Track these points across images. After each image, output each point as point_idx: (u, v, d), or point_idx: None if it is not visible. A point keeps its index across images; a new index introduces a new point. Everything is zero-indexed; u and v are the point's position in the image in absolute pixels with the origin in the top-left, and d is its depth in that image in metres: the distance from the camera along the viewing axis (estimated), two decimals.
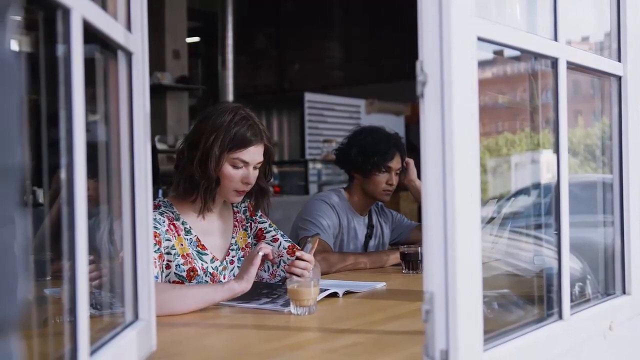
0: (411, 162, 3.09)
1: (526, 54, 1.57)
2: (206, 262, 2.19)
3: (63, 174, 0.98)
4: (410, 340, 1.56)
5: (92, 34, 1.10)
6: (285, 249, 2.32)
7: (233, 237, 2.31)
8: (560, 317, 1.51)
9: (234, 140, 2.14)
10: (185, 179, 2.17)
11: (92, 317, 1.07)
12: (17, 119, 0.56)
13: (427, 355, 1.17)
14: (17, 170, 0.56)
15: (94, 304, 1.40)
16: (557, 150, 1.52)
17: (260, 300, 1.99)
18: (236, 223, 2.35)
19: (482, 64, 1.26)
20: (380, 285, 2.34)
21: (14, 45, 0.57)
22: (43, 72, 1.04)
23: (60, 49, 1.00)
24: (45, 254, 1.46)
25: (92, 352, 1.08)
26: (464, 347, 1.15)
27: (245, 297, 2.02)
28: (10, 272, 0.55)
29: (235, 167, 2.16)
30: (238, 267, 2.28)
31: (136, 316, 1.36)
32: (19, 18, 0.60)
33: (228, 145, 2.13)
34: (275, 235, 2.37)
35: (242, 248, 2.33)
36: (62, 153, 0.99)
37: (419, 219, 4.24)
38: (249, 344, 1.60)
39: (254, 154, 2.18)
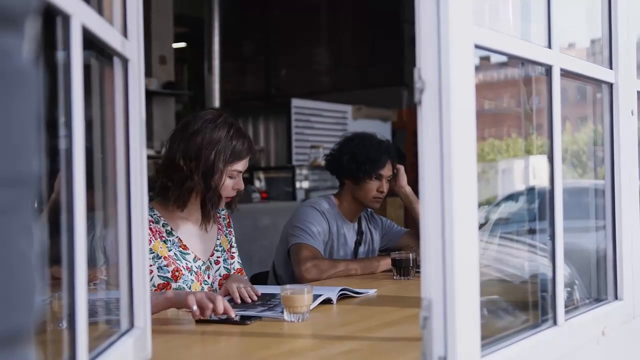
0: (401, 168, 3.10)
1: (513, 60, 1.59)
2: (189, 262, 2.25)
3: (63, 181, 0.97)
4: (406, 347, 1.56)
5: (88, 40, 1.10)
6: (234, 270, 2.42)
7: (218, 239, 2.40)
8: (555, 322, 1.51)
9: (234, 153, 2.25)
10: (187, 191, 2.22)
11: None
12: (35, 128, 0.56)
13: None
14: (34, 179, 0.56)
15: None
16: (551, 157, 1.52)
17: (257, 309, 1.98)
18: (220, 227, 2.43)
19: None
20: (372, 292, 2.34)
21: (32, 54, 0.57)
22: (41, 77, 1.03)
23: (59, 55, 0.99)
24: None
25: None
26: (462, 354, 1.16)
27: (241, 306, 2.01)
28: (28, 281, 0.55)
29: (231, 177, 2.27)
30: (224, 267, 2.38)
31: (132, 324, 1.35)
32: (36, 26, 0.60)
33: (230, 159, 2.24)
34: (234, 252, 2.49)
35: (227, 250, 2.42)
36: (62, 159, 0.98)
37: (405, 224, 4.26)
38: (244, 351, 1.59)
39: (246, 163, 2.32)
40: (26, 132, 0.55)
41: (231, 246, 2.48)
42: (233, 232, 2.52)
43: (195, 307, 1.79)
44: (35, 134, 0.56)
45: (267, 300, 2.10)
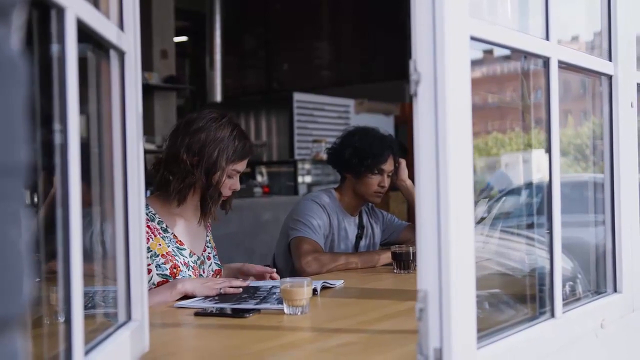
0: (403, 162, 3.09)
1: (516, 53, 1.58)
2: (186, 257, 2.29)
3: (57, 176, 0.98)
4: (404, 339, 1.57)
5: (84, 33, 1.10)
6: (213, 271, 2.43)
7: (207, 236, 2.45)
8: (553, 315, 1.51)
9: (236, 153, 2.28)
10: (187, 186, 2.26)
11: (84, 317, 1.06)
12: (22, 118, 0.56)
13: (421, 353, 1.17)
14: (22, 168, 0.57)
15: (85, 304, 1.39)
16: (549, 150, 1.52)
17: (249, 303, 1.98)
18: (208, 225, 2.47)
19: (472, 63, 1.26)
20: (339, 282, 2.36)
21: (19, 44, 0.57)
22: (35, 71, 1.04)
23: (54, 48, 0.99)
24: (36, 255, 1.46)
25: (86, 352, 1.07)
26: (457, 345, 1.16)
27: (233, 300, 2.01)
28: (16, 269, 0.55)
29: (229, 177, 2.30)
30: (215, 263, 2.43)
31: (129, 316, 1.36)
32: (23, 16, 0.60)
33: (231, 158, 2.27)
34: (215, 252, 2.49)
35: (214, 247, 2.48)
36: (56, 153, 0.98)
37: (408, 219, 4.26)
38: (242, 343, 1.59)
39: (245, 164, 2.36)
40: (14, 122, 0.55)
41: (214, 246, 2.51)
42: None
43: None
44: (23, 124, 0.56)
45: (253, 293, 2.10)
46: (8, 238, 0.54)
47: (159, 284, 2.18)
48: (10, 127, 0.54)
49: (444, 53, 1.14)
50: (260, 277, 2.41)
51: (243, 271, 2.45)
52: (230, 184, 2.31)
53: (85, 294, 1.22)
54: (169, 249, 2.24)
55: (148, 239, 2.19)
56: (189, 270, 2.26)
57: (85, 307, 1.17)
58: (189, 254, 2.31)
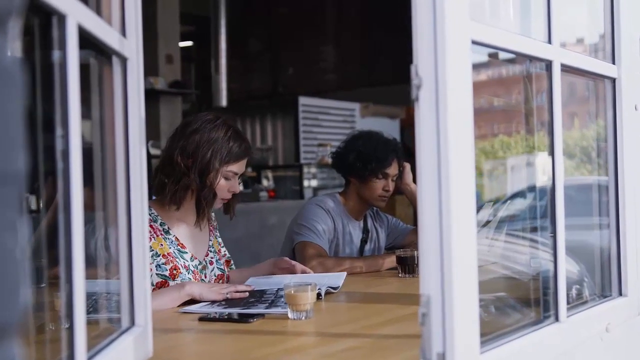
0: (407, 166, 3.09)
1: (521, 57, 1.58)
2: (187, 260, 2.29)
3: (59, 181, 0.98)
4: (408, 344, 1.56)
5: (86, 39, 1.10)
6: (215, 276, 2.42)
7: (210, 240, 2.44)
8: (557, 319, 1.51)
9: (230, 154, 2.27)
10: (183, 188, 2.25)
11: (87, 322, 1.07)
12: (20, 126, 0.57)
13: (424, 358, 1.17)
14: (20, 176, 0.57)
15: (88, 310, 1.39)
16: (552, 153, 1.52)
17: (258, 307, 1.98)
18: (211, 229, 2.47)
19: (477, 67, 1.27)
20: (342, 275, 2.39)
21: (16, 52, 0.57)
22: (38, 77, 1.04)
23: (55, 55, 0.99)
24: (41, 260, 1.46)
25: (89, 358, 1.08)
26: (460, 350, 1.15)
27: (241, 305, 2.00)
28: (12, 276, 0.56)
29: (226, 178, 2.30)
30: (218, 267, 2.42)
31: (132, 322, 1.36)
32: (20, 25, 0.60)
33: (225, 159, 2.26)
34: (224, 249, 2.52)
35: (217, 252, 2.46)
36: (58, 159, 0.99)
37: (414, 222, 4.24)
38: (246, 348, 1.59)
39: (243, 165, 2.34)
40: (11, 130, 0.55)
41: (221, 246, 2.51)
42: (218, 233, 2.55)
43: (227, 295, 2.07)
44: (20, 133, 0.57)
45: (260, 297, 2.10)
46: (5, 246, 0.55)
47: (158, 285, 2.18)
48: (7, 136, 0.54)
49: (445, 57, 1.14)
50: (291, 271, 2.43)
51: (279, 266, 2.47)
52: (228, 186, 2.30)
53: (89, 296, 1.22)
54: (170, 250, 2.25)
55: (150, 238, 2.19)
56: (188, 273, 2.26)
57: (88, 312, 1.17)
58: (190, 258, 2.30)
